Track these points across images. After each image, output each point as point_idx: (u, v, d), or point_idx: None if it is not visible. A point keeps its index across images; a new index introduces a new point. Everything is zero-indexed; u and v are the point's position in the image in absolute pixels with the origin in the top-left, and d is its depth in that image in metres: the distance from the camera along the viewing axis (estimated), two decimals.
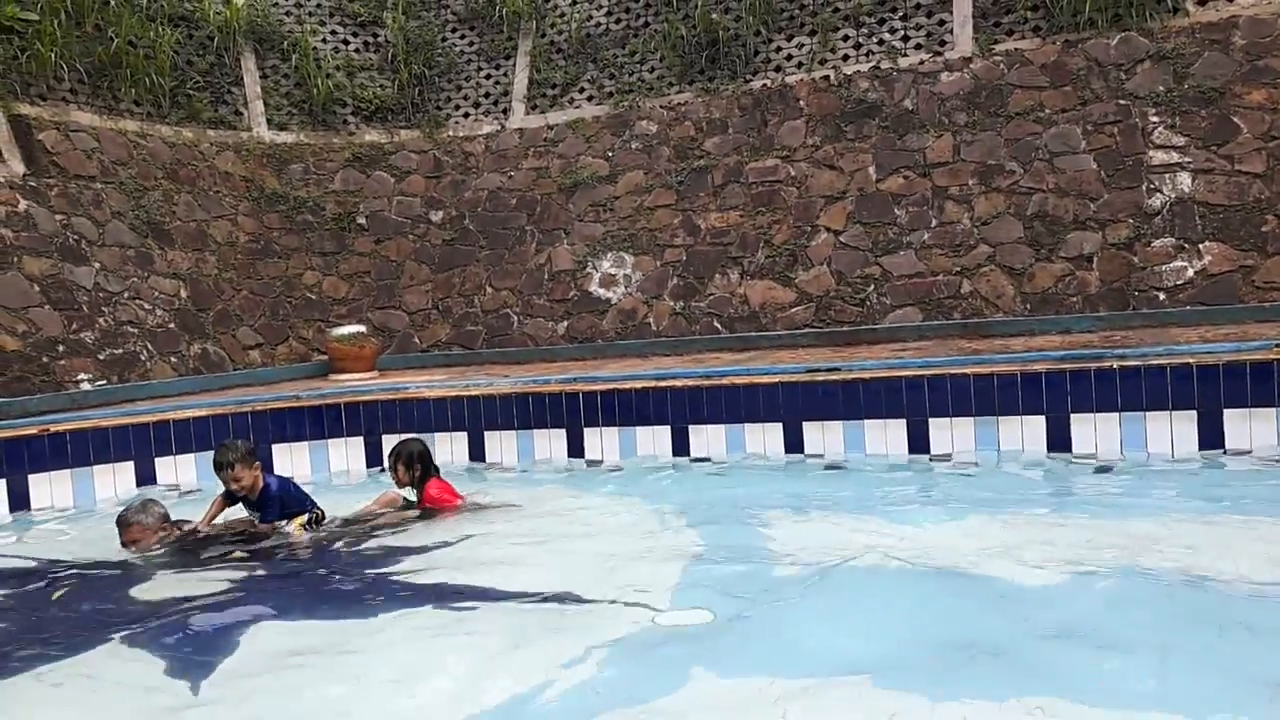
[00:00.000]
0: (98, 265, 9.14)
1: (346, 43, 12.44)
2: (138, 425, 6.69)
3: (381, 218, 11.65)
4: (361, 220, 11.62)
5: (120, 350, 8.88)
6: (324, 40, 12.34)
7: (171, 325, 9.52)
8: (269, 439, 7.13)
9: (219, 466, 5.29)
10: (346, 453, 7.35)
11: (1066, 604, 3.50)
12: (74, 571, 4.91)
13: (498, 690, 3.05)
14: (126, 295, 9.24)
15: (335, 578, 4.60)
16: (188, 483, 6.74)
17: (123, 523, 5.07)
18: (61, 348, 8.44)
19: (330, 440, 7.33)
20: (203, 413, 7.00)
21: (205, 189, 10.71)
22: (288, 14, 12.26)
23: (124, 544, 5.04)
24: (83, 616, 4.20)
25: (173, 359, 9.31)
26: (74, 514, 6.20)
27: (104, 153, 9.84)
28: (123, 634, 3.81)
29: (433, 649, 3.45)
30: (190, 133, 10.95)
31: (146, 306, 9.37)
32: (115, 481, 6.52)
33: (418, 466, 5.60)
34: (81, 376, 8.40)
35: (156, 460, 6.69)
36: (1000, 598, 3.60)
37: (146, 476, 6.64)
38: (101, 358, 8.68)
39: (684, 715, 2.82)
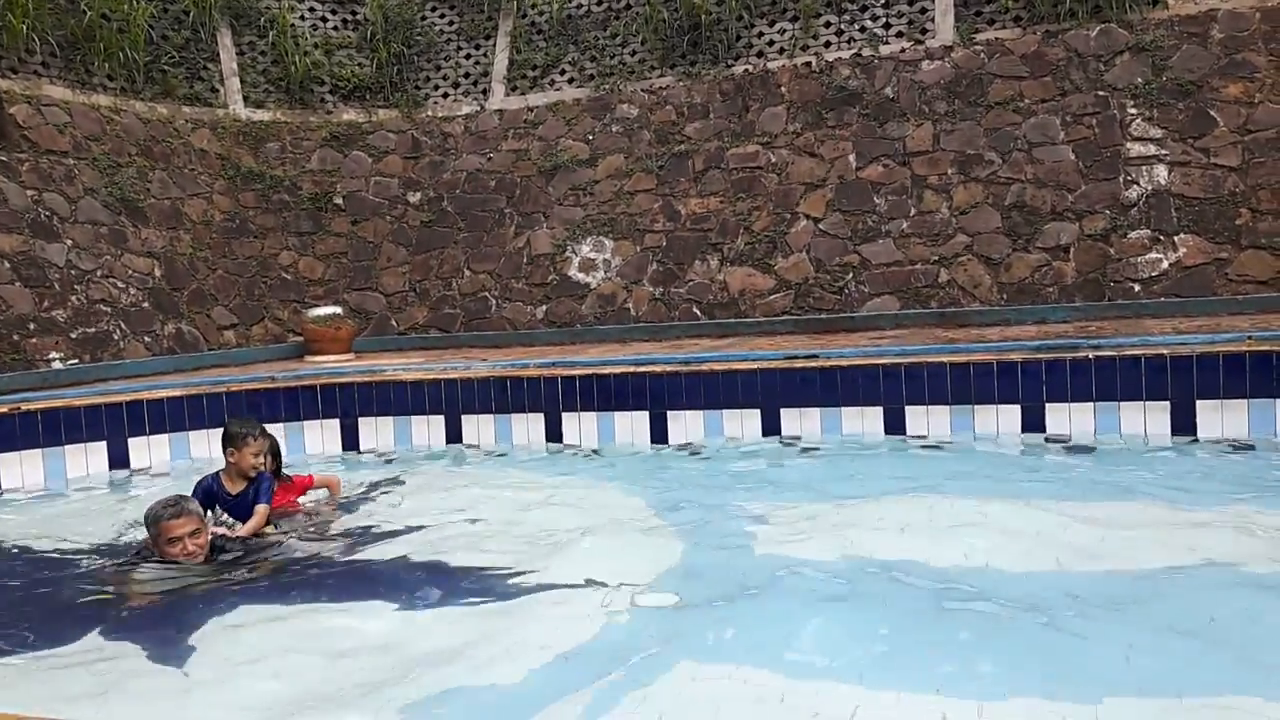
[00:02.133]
0: (70, 242, 9.02)
1: (325, 20, 12.30)
2: (110, 405, 6.62)
3: (358, 198, 11.55)
4: (338, 200, 11.52)
5: (93, 329, 8.77)
6: (302, 17, 12.19)
7: (145, 304, 9.41)
8: None
9: (244, 437, 4.89)
10: (322, 435, 7.31)
11: (1043, 592, 3.52)
12: (46, 554, 4.85)
13: (466, 676, 3.04)
14: (99, 273, 9.12)
15: (307, 566, 4.55)
16: (160, 464, 6.68)
17: (173, 524, 4.08)
18: (32, 325, 8.33)
19: (306, 422, 7.28)
20: (176, 393, 6.93)
21: (180, 166, 10.58)
22: None
23: (177, 553, 4.10)
24: (56, 600, 4.15)
25: (146, 338, 9.21)
26: (45, 494, 6.13)
27: (76, 128, 9.69)
28: (98, 620, 3.78)
29: (398, 636, 3.44)
30: (165, 109, 10.80)
31: (120, 285, 9.26)
32: (87, 462, 6.46)
33: (275, 462, 5.29)
34: (53, 355, 8.30)
35: (129, 440, 6.62)
36: (975, 586, 3.63)
37: (119, 457, 6.58)
38: (73, 336, 8.58)
39: (655, 702, 2.82)
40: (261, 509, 4.90)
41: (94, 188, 9.54)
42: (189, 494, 4.62)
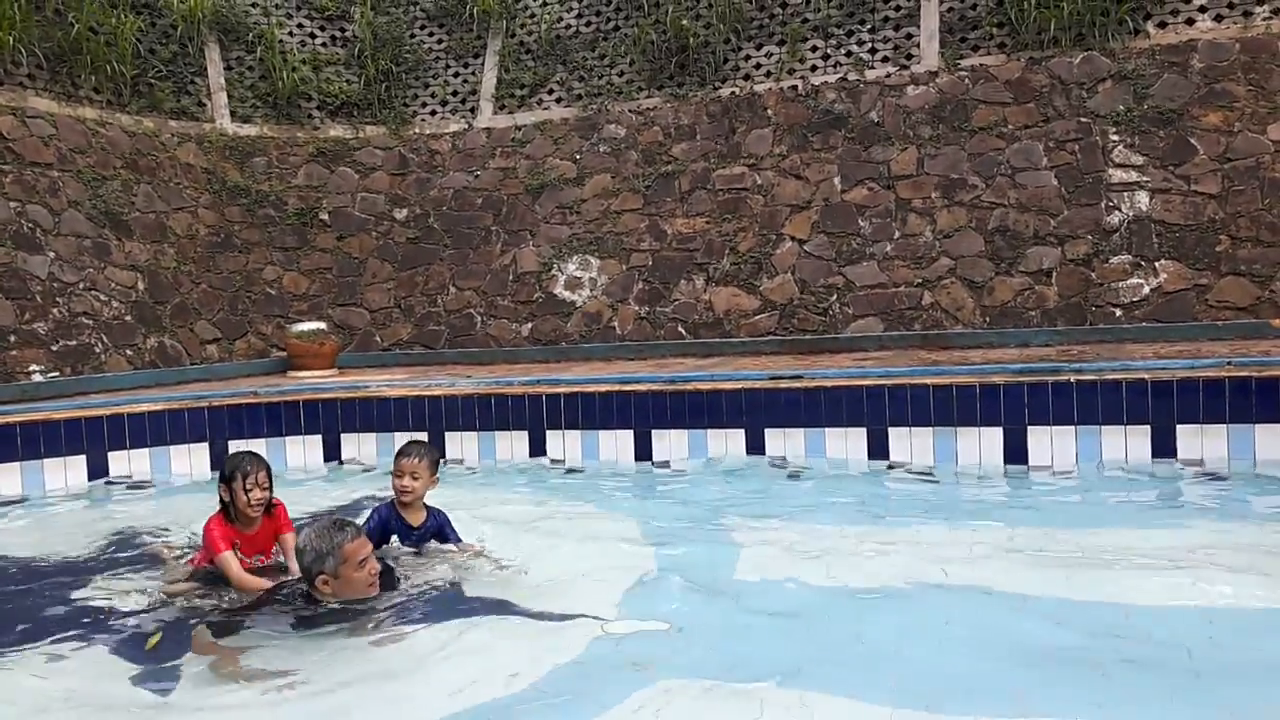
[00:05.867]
0: (53, 255, 8.97)
1: (313, 36, 12.32)
2: (91, 418, 6.57)
3: (344, 214, 11.54)
4: (324, 216, 11.51)
5: (74, 342, 8.71)
6: (290, 33, 12.21)
7: (128, 318, 9.35)
8: (226, 435, 7.04)
9: (406, 453, 4.42)
10: (304, 451, 7.27)
11: (1028, 616, 3.53)
12: (19, 567, 4.80)
13: (447, 701, 3.02)
14: (82, 286, 9.07)
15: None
16: (141, 478, 6.63)
17: (355, 545, 3.56)
18: (13, 338, 8.26)
19: (288, 438, 7.23)
20: (158, 407, 6.89)
21: (165, 180, 10.55)
22: (254, 5, 12.12)
23: (365, 577, 3.59)
24: (25, 613, 4.10)
25: (128, 352, 9.15)
26: (23, 507, 6.07)
27: (62, 140, 9.66)
28: (72, 633, 3.73)
29: (381, 660, 3.41)
30: (151, 122, 10.78)
31: (102, 298, 9.21)
32: (66, 475, 6.40)
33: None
34: (33, 368, 8.24)
35: (110, 454, 6.57)
36: (959, 607, 3.64)
37: (98, 471, 6.52)
38: (54, 349, 8.52)
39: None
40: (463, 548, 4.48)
41: (78, 200, 9.50)
42: (358, 524, 3.87)
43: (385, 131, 11.93)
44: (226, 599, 3.96)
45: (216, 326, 10.32)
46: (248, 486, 4.24)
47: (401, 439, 7.13)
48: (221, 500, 4.31)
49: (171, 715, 3.02)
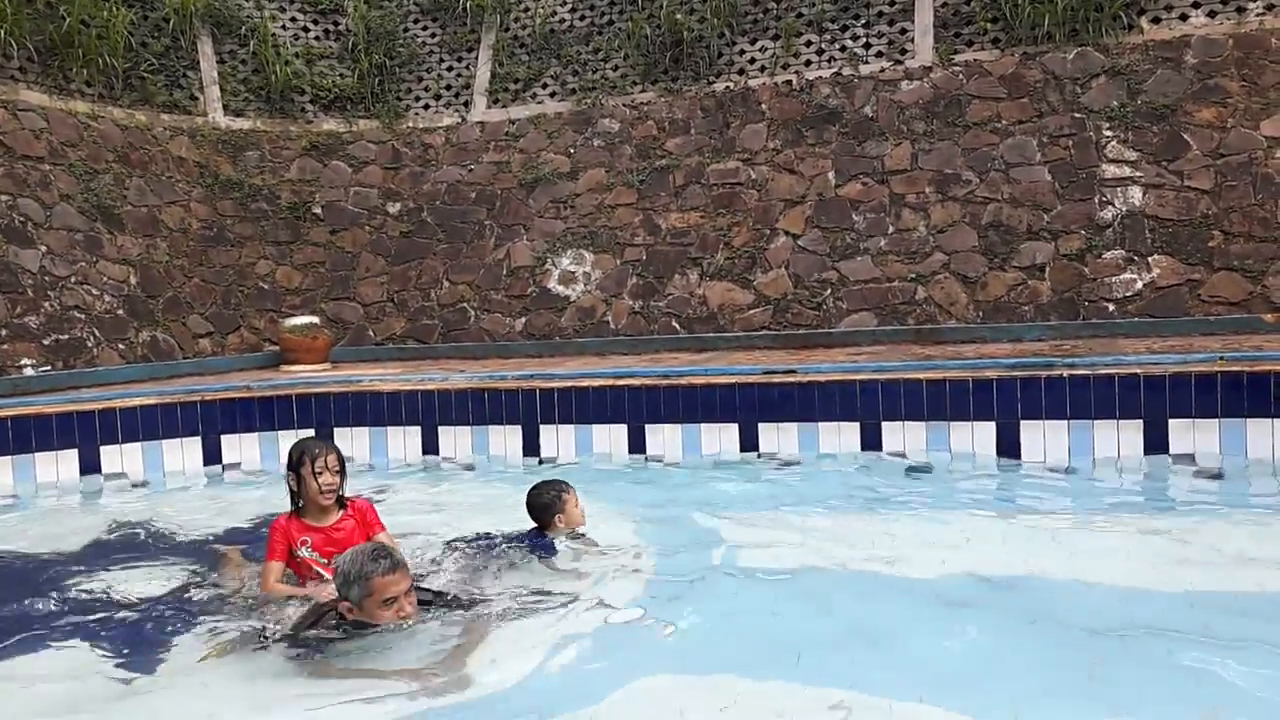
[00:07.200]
0: (44, 248, 8.93)
1: (306, 30, 12.28)
2: (83, 413, 6.55)
3: (337, 208, 11.51)
4: (317, 210, 11.48)
5: (66, 336, 8.68)
6: (283, 27, 12.17)
7: (120, 312, 9.32)
8: (219, 430, 7.04)
9: (560, 497, 4.44)
10: None
11: (1008, 607, 3.55)
12: (16, 564, 4.79)
13: (448, 696, 3.02)
14: (74, 280, 9.04)
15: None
16: (134, 474, 6.62)
17: (388, 580, 3.32)
18: (4, 332, 8.23)
19: (281, 432, 7.22)
20: (150, 401, 6.88)
21: (158, 174, 10.51)
22: None
23: (392, 616, 3.36)
24: (14, 610, 4.09)
25: (120, 346, 9.13)
26: (14, 502, 6.06)
27: (53, 133, 9.61)
28: (56, 630, 3.73)
29: (379, 649, 3.41)
30: (143, 116, 10.74)
31: (94, 292, 9.17)
32: (58, 470, 6.39)
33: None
34: (25, 362, 8.21)
35: (101, 449, 6.56)
36: (943, 603, 3.65)
37: (91, 465, 6.51)
38: (46, 343, 8.49)
39: (622, 710, 2.83)
40: None
41: (70, 194, 9.46)
42: (397, 558, 3.45)
43: (378, 125, 11.90)
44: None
45: (209, 320, 10.29)
46: (317, 469, 4.02)
47: (395, 433, 7.20)
48: (291, 491, 4.14)
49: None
